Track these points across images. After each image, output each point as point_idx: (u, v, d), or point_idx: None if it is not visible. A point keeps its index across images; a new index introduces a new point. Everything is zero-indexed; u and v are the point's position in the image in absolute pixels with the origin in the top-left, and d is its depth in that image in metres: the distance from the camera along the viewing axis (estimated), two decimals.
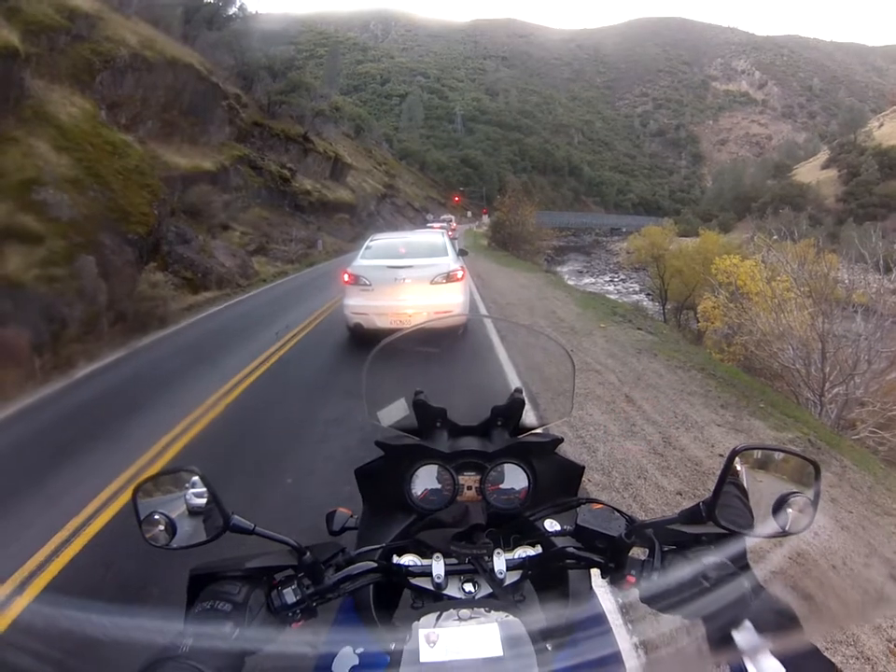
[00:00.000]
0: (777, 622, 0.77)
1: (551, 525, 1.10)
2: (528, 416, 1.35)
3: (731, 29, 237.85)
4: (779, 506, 0.90)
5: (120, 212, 12.66)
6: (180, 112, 25.43)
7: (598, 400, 6.62)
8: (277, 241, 27.54)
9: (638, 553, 0.96)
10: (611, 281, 48.90)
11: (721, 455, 5.08)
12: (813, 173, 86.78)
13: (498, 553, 1.01)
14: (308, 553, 0.97)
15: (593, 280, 47.11)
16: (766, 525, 0.90)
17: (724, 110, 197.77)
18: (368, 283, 8.60)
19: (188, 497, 0.96)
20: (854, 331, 9.27)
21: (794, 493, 0.90)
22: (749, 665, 0.73)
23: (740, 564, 0.88)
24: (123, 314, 11.33)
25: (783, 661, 0.71)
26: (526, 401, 1.26)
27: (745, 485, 0.96)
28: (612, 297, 25.67)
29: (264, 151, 35.36)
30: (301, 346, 9.70)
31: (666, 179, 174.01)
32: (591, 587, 1.12)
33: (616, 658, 1.04)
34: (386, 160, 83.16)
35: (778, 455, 0.97)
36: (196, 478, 0.96)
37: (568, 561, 1.01)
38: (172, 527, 0.94)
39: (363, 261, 9.02)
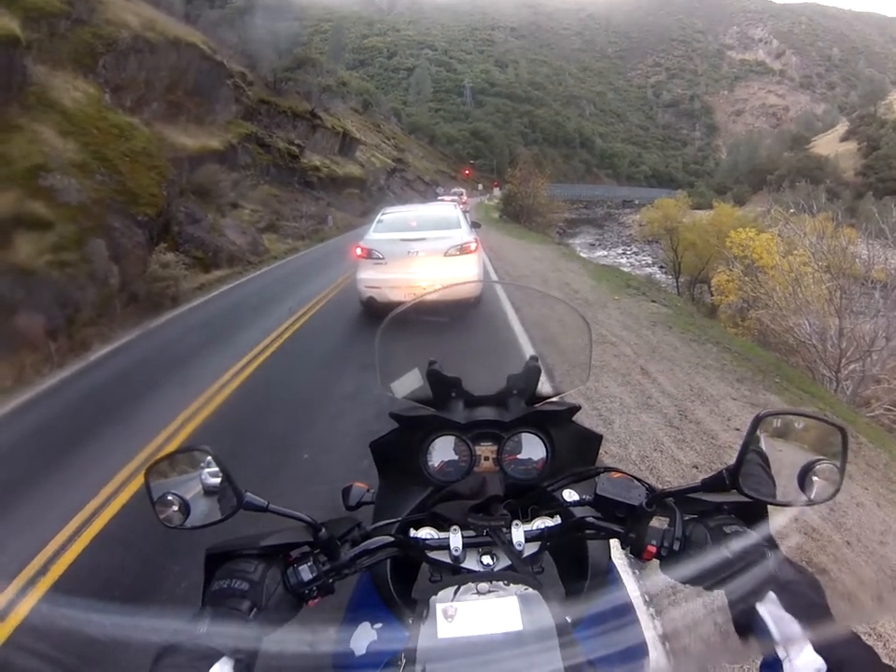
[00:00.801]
0: (802, 593, 0.76)
1: (569, 495, 1.08)
2: (544, 387, 1.33)
3: None
4: (804, 474, 0.87)
5: (129, 194, 12.71)
6: (185, 92, 25.21)
7: (614, 373, 6.62)
8: (287, 218, 27.44)
9: (659, 522, 0.94)
10: (624, 254, 48.48)
11: (737, 430, 5.09)
12: (832, 145, 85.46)
13: (517, 524, 1.01)
14: (323, 529, 0.96)
15: (605, 253, 46.72)
16: (791, 494, 0.87)
17: (740, 80, 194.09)
18: (381, 256, 8.60)
19: (203, 476, 0.96)
20: (872, 308, 9.14)
21: (820, 460, 0.87)
22: (774, 636, 0.74)
23: (763, 534, 0.87)
24: (135, 295, 11.45)
25: (808, 628, 0.71)
26: (542, 370, 1.25)
27: (767, 454, 0.93)
28: (625, 269, 25.50)
29: (272, 129, 34.97)
30: (314, 322, 9.73)
31: (680, 151, 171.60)
32: (609, 558, 1.11)
33: (636, 628, 1.04)
34: (395, 134, 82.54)
35: (803, 422, 0.94)
36: (209, 457, 0.95)
37: (588, 531, 1.00)
38: (186, 507, 0.94)
39: (375, 235, 9.00)
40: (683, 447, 4.81)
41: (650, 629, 2.72)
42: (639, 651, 0.99)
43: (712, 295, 20.90)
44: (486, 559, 0.99)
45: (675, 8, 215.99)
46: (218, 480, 0.95)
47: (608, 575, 1.09)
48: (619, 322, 9.17)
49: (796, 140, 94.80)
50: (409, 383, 1.28)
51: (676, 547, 0.90)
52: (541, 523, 1.02)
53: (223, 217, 20.95)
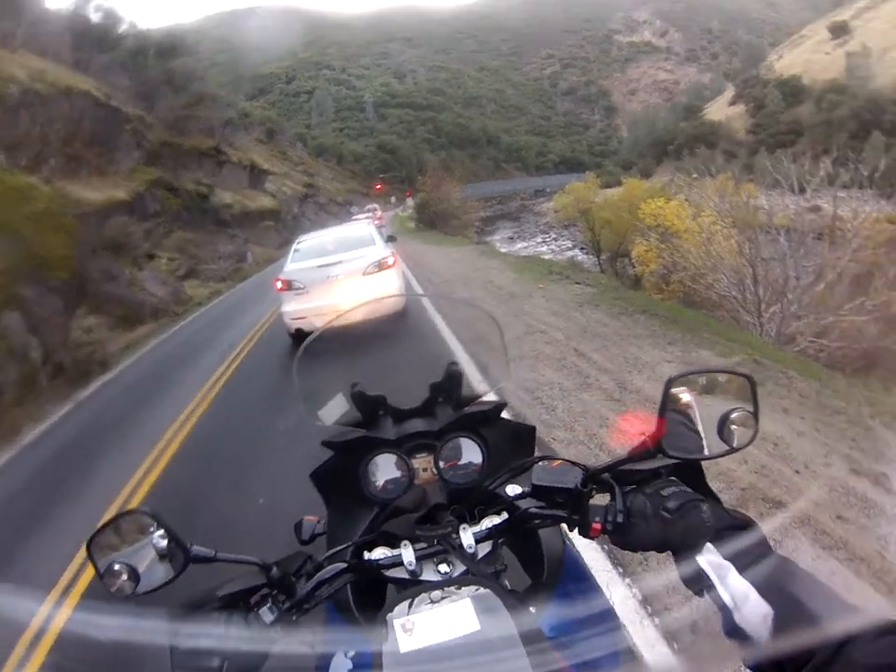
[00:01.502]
0: (737, 538, 0.78)
1: (512, 489, 1.09)
2: (483, 386, 1.39)
3: None
4: (723, 425, 0.90)
5: (37, 259, 11.98)
6: (83, 143, 24.41)
7: (549, 359, 6.68)
8: (206, 261, 26.88)
9: (603, 499, 0.96)
10: (544, 242, 49.34)
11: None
12: (722, 110, 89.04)
13: (464, 527, 1.01)
14: (275, 569, 0.95)
15: (525, 244, 47.58)
16: (714, 446, 0.90)
17: (630, 61, 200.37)
18: (301, 286, 8.52)
19: (154, 540, 0.92)
20: (780, 252, 9.52)
21: (735, 409, 0.90)
22: (718, 587, 0.74)
23: (700, 489, 0.91)
24: (61, 365, 10.94)
25: (749, 573, 0.72)
26: (467, 371, 1.27)
27: (689, 412, 0.95)
28: (547, 257, 25.95)
29: (178, 171, 34.10)
30: (247, 362, 9.57)
31: (583, 135, 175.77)
32: (563, 541, 1.14)
33: (603, 602, 1.08)
34: (303, 159, 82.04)
35: (714, 377, 0.97)
36: (148, 518, 0.92)
37: (535, 521, 1.02)
38: (135, 574, 0.89)
39: (293, 265, 8.94)
40: None
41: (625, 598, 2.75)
42: (616, 657, 0.99)
43: (634, 267, 21.42)
44: (443, 567, 1.00)
45: (561, 0, 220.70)
46: (166, 540, 0.92)
47: (566, 557, 1.12)
48: (546, 309, 9.27)
49: (689, 110, 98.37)
50: (335, 408, 1.28)
51: (619, 519, 0.91)
52: (489, 522, 1.04)
53: (140, 270, 20.39)
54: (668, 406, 0.91)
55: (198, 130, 39.84)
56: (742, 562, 0.74)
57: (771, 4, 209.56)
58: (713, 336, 7.22)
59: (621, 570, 2.96)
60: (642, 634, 2.50)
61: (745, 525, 0.81)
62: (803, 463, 3.92)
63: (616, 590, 2.80)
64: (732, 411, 0.90)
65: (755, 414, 0.90)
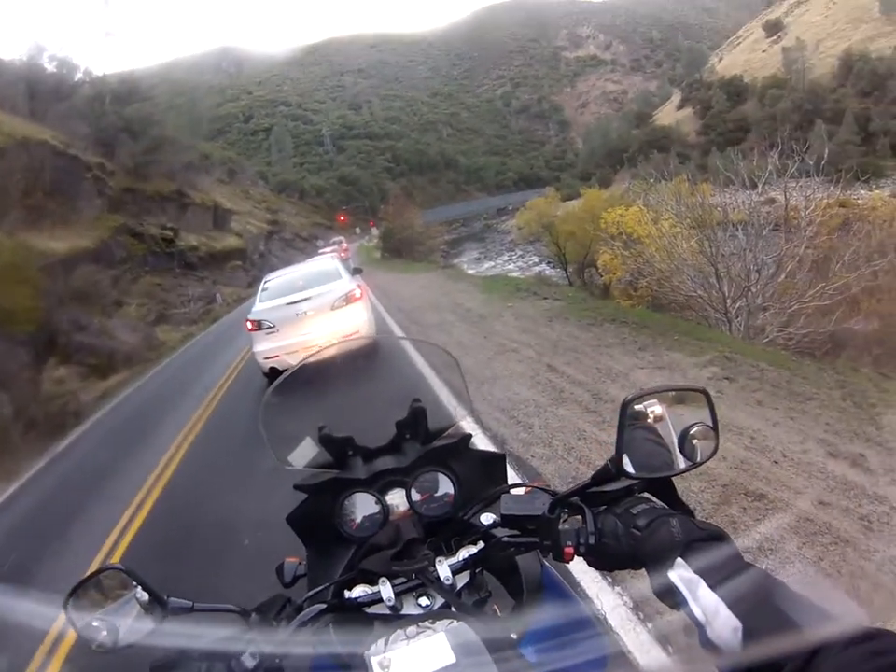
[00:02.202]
0: (707, 551, 0.77)
1: (486, 518, 1.09)
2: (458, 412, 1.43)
3: (569, 1, 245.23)
4: (684, 440, 0.92)
5: (3, 313, 11.84)
6: (44, 193, 24.12)
7: (522, 377, 6.71)
8: (175, 304, 26.70)
9: (576, 522, 0.96)
10: (510, 259, 49.85)
11: None
12: (671, 115, 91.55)
13: (440, 560, 1.02)
14: (254, 614, 0.97)
15: (492, 263, 48.02)
16: (678, 462, 0.92)
17: (579, 76, 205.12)
18: (271, 325, 8.50)
19: (137, 594, 0.92)
20: (739, 247, 9.68)
21: (694, 424, 0.92)
22: (690, 602, 0.73)
23: (672, 503, 0.92)
24: (34, 420, 10.73)
25: (719, 587, 0.71)
26: (442, 397, 1.29)
27: (659, 427, 0.98)
28: (515, 274, 26.10)
29: (141, 216, 33.68)
30: (224, 405, 9.41)
31: (540, 151, 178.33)
32: (541, 563, 1.14)
33: (587, 621, 1.08)
34: (266, 196, 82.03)
35: (670, 395, 0.99)
36: (123, 574, 0.93)
37: (510, 549, 1.03)
38: (114, 629, 0.89)
39: (262, 305, 8.93)
40: (605, 428, 4.89)
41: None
42: (599, 662, 0.99)
43: (601, 276, 21.59)
44: (423, 600, 1.01)
45: (506, 22, 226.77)
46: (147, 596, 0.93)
47: (546, 582, 1.13)
48: (516, 327, 9.35)
49: (639, 117, 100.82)
50: (305, 452, 1.28)
51: (591, 541, 0.92)
52: (465, 552, 1.04)
53: (110, 318, 20.18)
54: (628, 427, 0.91)
55: (159, 174, 39.42)
56: (712, 575, 0.73)
57: (706, 9, 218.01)
58: (683, 337, 7.31)
59: (609, 580, 2.93)
60: (636, 640, 2.48)
61: (715, 537, 0.80)
62: (780, 453, 3.96)
63: (606, 599, 2.79)
64: (692, 426, 0.92)
65: (714, 427, 0.92)
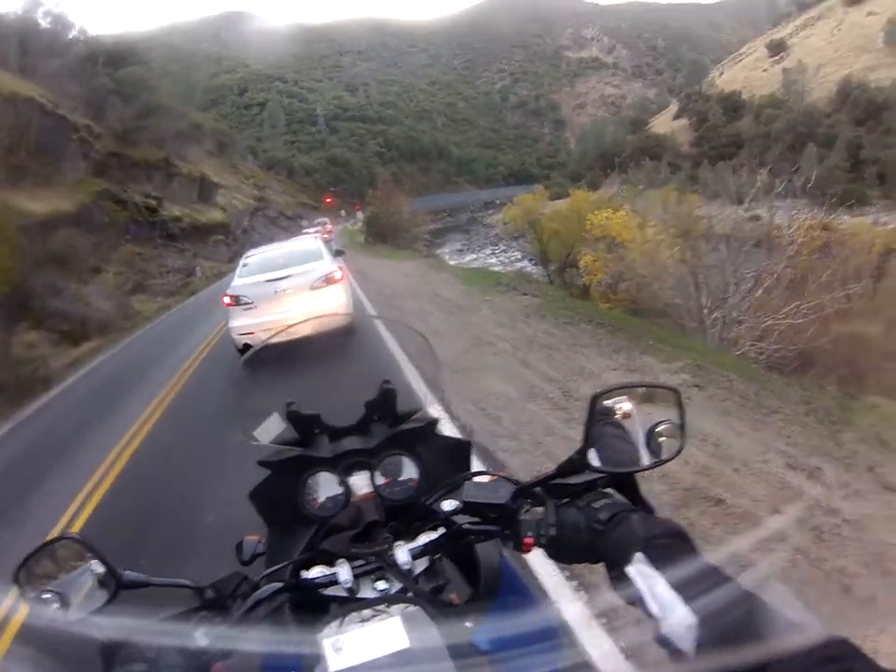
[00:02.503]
0: (667, 547, 0.78)
1: (448, 504, 1.07)
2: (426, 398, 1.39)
3: (577, 1, 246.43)
4: (650, 437, 0.93)
5: None
6: (28, 153, 23.59)
7: (495, 370, 6.76)
8: (154, 275, 26.33)
9: (538, 513, 0.96)
10: (493, 254, 49.61)
11: None
12: (667, 124, 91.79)
13: (399, 544, 1.02)
14: (209, 591, 0.96)
15: (475, 256, 47.84)
16: (643, 458, 0.93)
17: (579, 76, 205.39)
18: (249, 301, 8.50)
19: (92, 566, 0.91)
20: (720, 260, 9.81)
21: (662, 422, 0.93)
22: (647, 597, 0.74)
23: (635, 499, 0.93)
24: (1, 383, 10.51)
25: (677, 583, 0.72)
26: (413, 383, 1.29)
27: (627, 423, 0.98)
28: (496, 268, 26.17)
29: (126, 183, 32.96)
30: (196, 377, 9.34)
31: (532, 148, 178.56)
32: (500, 554, 1.14)
33: (544, 616, 1.11)
34: (254, 172, 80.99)
35: (641, 391, 1.01)
36: (77, 544, 0.92)
37: (470, 537, 1.03)
38: (66, 601, 0.87)
39: (241, 280, 8.91)
40: (573, 425, 4.92)
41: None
42: (553, 653, 0.96)
43: (582, 277, 21.67)
44: (381, 584, 1.00)
45: (512, 16, 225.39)
46: (102, 568, 0.91)
47: (504, 570, 1.13)
48: (493, 321, 9.39)
49: (635, 123, 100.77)
50: (271, 427, 1.27)
51: (552, 532, 0.92)
52: (425, 538, 1.04)
53: (86, 285, 19.81)
54: (597, 421, 0.93)
55: (148, 141, 38.63)
56: (670, 572, 0.74)
57: (712, 23, 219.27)
58: (658, 343, 7.40)
59: (575, 583, 2.97)
60: (597, 645, 2.49)
61: (676, 535, 0.81)
62: (742, 462, 4.06)
63: (569, 606, 2.82)
64: (659, 423, 0.93)
65: (682, 426, 0.93)
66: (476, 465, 4.20)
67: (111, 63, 38.58)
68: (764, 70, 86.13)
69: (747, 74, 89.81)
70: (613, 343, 7.39)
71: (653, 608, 0.73)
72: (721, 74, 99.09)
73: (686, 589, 0.70)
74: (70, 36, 38.50)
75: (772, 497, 3.60)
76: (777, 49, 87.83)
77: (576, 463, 0.92)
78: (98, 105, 35.41)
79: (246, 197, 60.54)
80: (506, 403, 5.67)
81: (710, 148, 72.82)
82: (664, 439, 0.92)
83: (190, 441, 6.41)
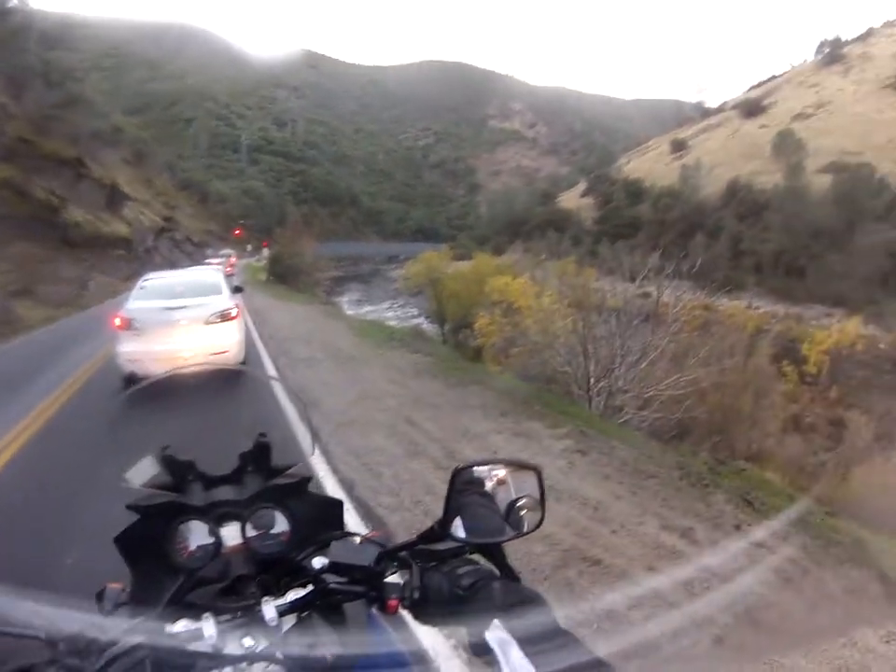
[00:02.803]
0: (524, 614, 0.81)
1: (318, 562, 1.06)
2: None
3: (508, 77, 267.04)
4: (510, 510, 0.98)
5: None
6: None
7: (380, 426, 6.70)
8: (46, 280, 24.14)
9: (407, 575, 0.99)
10: (391, 308, 50.12)
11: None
12: (574, 200, 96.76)
13: (266, 600, 0.99)
14: (62, 644, 0.86)
15: (373, 308, 47.82)
16: (506, 530, 0.97)
17: (499, 145, 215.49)
18: (141, 326, 8.08)
19: None
20: (609, 332, 10.26)
21: (522, 497, 0.98)
22: (501, 662, 0.76)
23: (501, 566, 0.97)
24: None
25: (530, 650, 0.74)
26: (271, 445, 1.23)
27: (496, 493, 1.03)
28: (392, 323, 26.19)
29: (31, 174, 30.51)
30: (73, 403, 8.29)
31: (444, 207, 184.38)
32: (368, 612, 1.12)
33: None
34: (167, 190, 78.20)
35: (505, 467, 1.05)
36: None
37: (337, 596, 1.03)
38: None
39: (136, 303, 8.51)
40: None
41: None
42: None
43: (476, 338, 21.94)
44: (247, 641, 0.95)
45: (447, 81, 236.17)
46: None
47: (371, 629, 1.12)
48: (383, 376, 9.37)
49: (545, 196, 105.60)
50: (145, 470, 1.21)
51: (416, 595, 0.95)
52: (294, 594, 1.04)
53: None
54: (465, 490, 0.99)
55: (63, 134, 36.22)
56: (526, 638, 0.76)
57: (626, 117, 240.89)
58: (545, 409, 7.58)
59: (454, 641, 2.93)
60: None
61: (533, 602, 0.85)
62: (619, 523, 4.23)
63: (446, 664, 2.79)
64: (520, 498, 0.98)
65: (541, 502, 0.98)
66: (356, 521, 4.20)
67: (44, 43, 36.24)
68: (666, 164, 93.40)
69: (650, 165, 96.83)
70: (500, 407, 7.50)
71: None
72: (628, 162, 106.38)
73: (539, 655, 0.72)
74: (9, 4, 35.82)
75: (647, 556, 3.77)
76: (679, 146, 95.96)
77: (437, 532, 0.96)
78: (19, 83, 33.25)
79: (155, 215, 58.02)
80: (389, 460, 5.63)
81: (611, 227, 77.48)
82: (524, 512, 0.97)
83: (51, 477, 5.50)
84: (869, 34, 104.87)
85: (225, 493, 1.18)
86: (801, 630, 3.21)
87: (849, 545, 4.09)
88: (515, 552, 3.67)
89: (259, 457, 1.23)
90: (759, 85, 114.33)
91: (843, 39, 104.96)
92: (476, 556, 1.00)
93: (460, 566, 0.95)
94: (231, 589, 1.05)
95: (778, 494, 5.32)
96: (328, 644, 1.04)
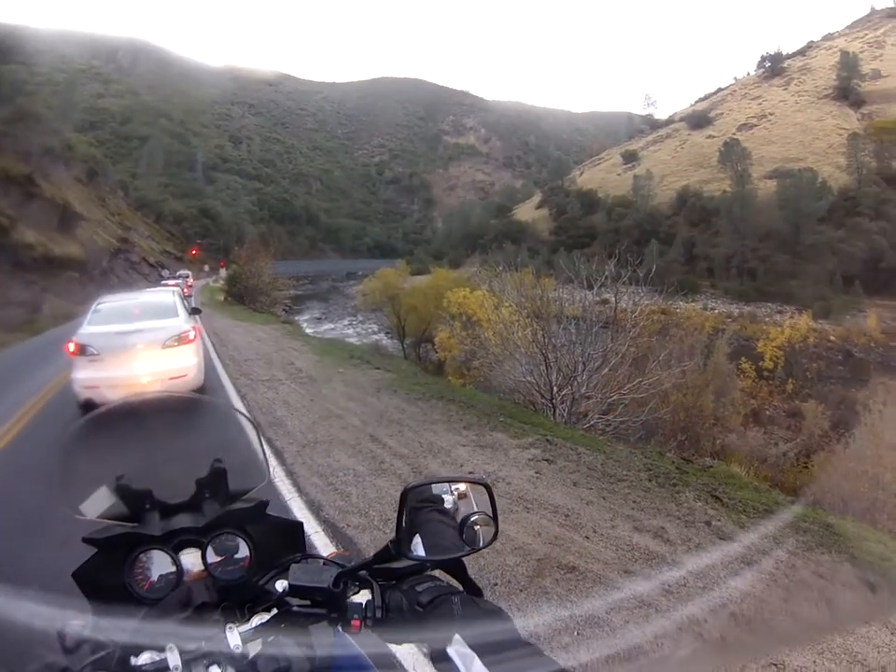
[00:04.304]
0: (485, 628, 0.83)
1: (280, 585, 1.05)
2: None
3: (463, 92, 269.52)
4: (463, 526, 1.00)
5: None
6: None
7: (343, 445, 6.64)
8: None
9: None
10: (350, 325, 49.83)
11: (471, 472, 5.38)
12: (529, 212, 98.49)
13: (230, 626, 0.97)
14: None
15: (332, 326, 47.73)
16: (461, 546, 0.99)
17: (454, 160, 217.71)
18: (96, 352, 7.75)
19: None
20: (570, 340, 10.35)
21: (475, 513, 1.01)
22: None
23: (463, 581, 0.99)
24: None
25: (492, 662, 0.74)
26: (227, 471, 1.22)
27: (454, 510, 1.07)
28: (352, 340, 26.04)
29: None
30: (21, 437, 7.60)
31: (400, 223, 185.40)
32: (334, 633, 1.09)
33: None
34: (121, 209, 75.91)
35: (457, 484, 1.08)
36: None
37: (301, 619, 1.01)
38: None
39: (90, 328, 8.16)
40: None
41: None
42: None
43: (437, 352, 21.92)
44: (214, 669, 0.92)
45: (401, 97, 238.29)
46: None
47: (338, 649, 1.07)
48: (344, 394, 9.30)
49: (501, 209, 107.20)
50: (99, 501, 1.18)
51: (378, 614, 0.96)
52: (258, 619, 1.01)
53: None
54: (424, 509, 1.03)
55: (13, 150, 34.96)
56: (487, 651, 0.77)
57: (579, 129, 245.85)
58: (508, 419, 7.60)
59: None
60: None
61: (494, 614, 0.87)
62: (592, 529, 4.25)
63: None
64: (472, 514, 1.01)
65: (494, 517, 1.01)
66: (325, 542, 4.19)
67: None
68: (618, 174, 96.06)
69: (603, 176, 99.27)
70: (464, 420, 7.51)
71: None
72: (582, 173, 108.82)
73: (501, 666, 0.73)
74: None
75: (621, 559, 3.80)
76: (631, 158, 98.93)
77: (392, 551, 0.96)
78: None
79: (110, 235, 56.34)
80: (355, 479, 5.56)
81: (567, 237, 79.33)
82: (479, 527, 1.00)
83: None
84: (808, 47, 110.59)
85: (183, 520, 1.17)
86: (784, 626, 3.24)
87: (817, 532, 4.19)
88: (488, 564, 3.68)
89: (216, 483, 1.22)
90: (705, 98, 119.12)
91: (784, 53, 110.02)
92: (437, 572, 1.01)
93: (420, 582, 0.96)
94: (194, 618, 1.02)
95: (745, 487, 5.40)
96: (295, 667, 1.03)
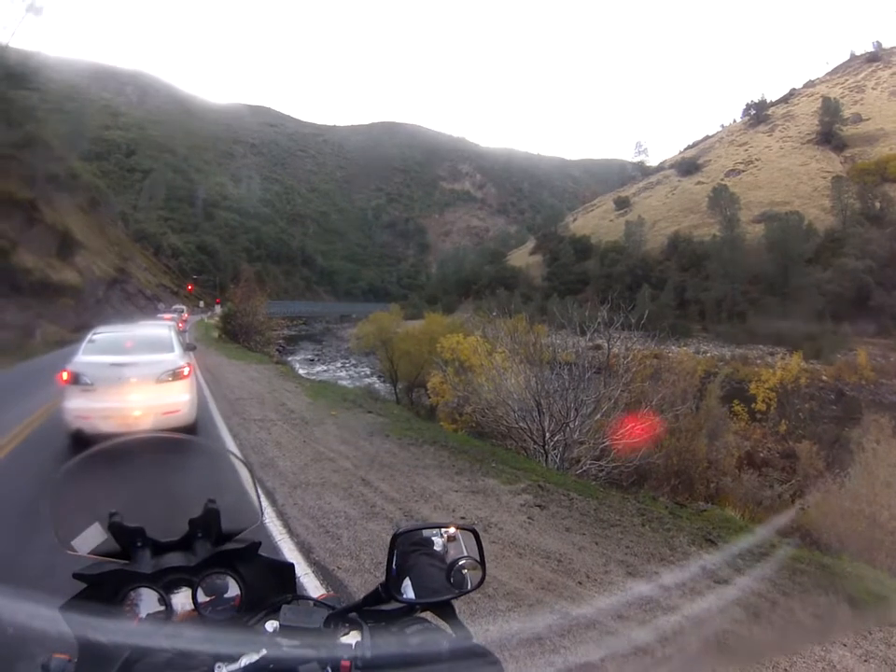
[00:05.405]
0: (473, 669, 0.84)
1: (270, 626, 1.06)
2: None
3: (459, 139, 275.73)
4: (451, 570, 1.02)
5: None
6: None
7: (335, 488, 6.60)
8: None
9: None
10: (343, 367, 49.34)
11: (463, 518, 5.42)
12: (523, 258, 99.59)
13: (220, 666, 0.96)
14: None
15: (325, 367, 47.20)
16: (449, 589, 1.01)
17: (449, 206, 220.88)
18: (89, 382, 7.68)
19: None
20: (562, 386, 10.39)
21: (463, 557, 1.04)
22: None
23: (452, 623, 0.99)
24: None
25: None
26: (220, 511, 1.22)
27: (444, 553, 1.09)
28: (344, 382, 25.82)
29: None
30: (8, 464, 7.56)
31: (395, 267, 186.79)
32: None
33: None
34: (121, 240, 76.03)
35: (445, 530, 1.11)
36: None
37: (289, 660, 1.00)
38: None
39: (85, 357, 8.09)
40: None
41: None
42: None
43: (429, 397, 21.82)
44: None
45: (399, 142, 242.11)
46: None
47: None
48: (336, 437, 9.25)
49: (495, 255, 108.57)
50: (91, 537, 1.20)
51: (368, 655, 0.93)
52: (247, 659, 0.98)
53: None
54: (414, 551, 1.05)
55: (18, 175, 35.09)
56: None
57: (572, 176, 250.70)
58: (501, 465, 7.61)
59: None
60: None
61: (482, 656, 0.87)
62: (585, 574, 4.24)
63: None
64: (460, 559, 1.03)
65: (481, 561, 1.04)
66: (315, 585, 4.18)
67: (6, 79, 35.32)
68: (611, 220, 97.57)
69: (596, 222, 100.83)
70: (456, 465, 7.50)
71: None
72: (575, 220, 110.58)
73: None
74: None
75: (615, 604, 3.78)
76: (623, 204, 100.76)
77: (381, 593, 0.99)
78: None
79: (108, 265, 56.20)
80: (346, 522, 5.53)
81: (560, 283, 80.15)
82: (466, 571, 1.02)
83: None
84: (791, 94, 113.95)
85: (175, 559, 1.17)
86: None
87: (813, 573, 4.21)
88: (479, 610, 3.66)
89: (209, 523, 1.22)
90: (694, 145, 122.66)
91: (767, 100, 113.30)
92: (427, 614, 1.02)
93: (410, 624, 0.96)
94: (182, 656, 1.00)
95: (740, 530, 5.42)
96: None
